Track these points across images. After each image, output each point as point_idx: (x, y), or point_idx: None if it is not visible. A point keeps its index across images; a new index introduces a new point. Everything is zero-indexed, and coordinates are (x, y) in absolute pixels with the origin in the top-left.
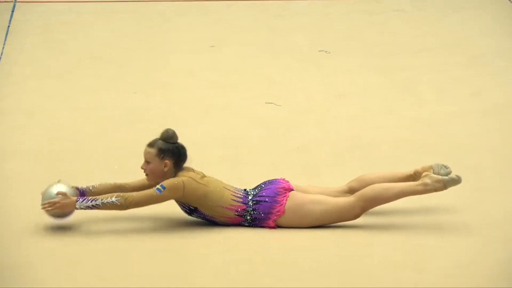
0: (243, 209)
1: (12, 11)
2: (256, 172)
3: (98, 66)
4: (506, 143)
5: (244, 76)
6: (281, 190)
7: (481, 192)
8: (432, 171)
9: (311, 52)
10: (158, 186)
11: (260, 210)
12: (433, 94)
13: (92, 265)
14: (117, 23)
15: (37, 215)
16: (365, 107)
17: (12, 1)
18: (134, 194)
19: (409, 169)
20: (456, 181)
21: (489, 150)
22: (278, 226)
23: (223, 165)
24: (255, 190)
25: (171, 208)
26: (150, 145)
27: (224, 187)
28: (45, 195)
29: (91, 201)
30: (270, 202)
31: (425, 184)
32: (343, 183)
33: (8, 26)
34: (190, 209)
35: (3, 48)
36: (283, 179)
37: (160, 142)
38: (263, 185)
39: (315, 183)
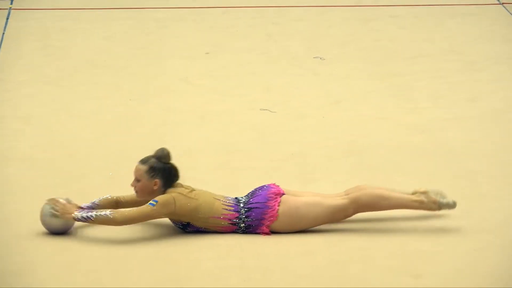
0: (236, 217)
1: (7, 18)
2: (251, 178)
3: (94, 72)
4: (502, 149)
5: (240, 82)
6: (272, 195)
7: (477, 197)
8: (442, 201)
9: (306, 58)
10: (151, 201)
11: (253, 217)
12: (429, 100)
13: (88, 271)
14: (113, 29)
15: (34, 221)
16: (361, 113)
17: (7, 8)
18: (128, 209)
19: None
20: (451, 206)
21: (485, 156)
22: (272, 232)
23: (218, 171)
24: (246, 198)
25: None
26: (143, 161)
27: (214, 197)
28: (44, 211)
29: (87, 213)
30: (262, 208)
31: (421, 202)
32: (338, 189)
33: (3, 33)
34: (183, 225)
35: None
36: (274, 184)
37: (153, 160)
38: (254, 192)
39: (310, 189)
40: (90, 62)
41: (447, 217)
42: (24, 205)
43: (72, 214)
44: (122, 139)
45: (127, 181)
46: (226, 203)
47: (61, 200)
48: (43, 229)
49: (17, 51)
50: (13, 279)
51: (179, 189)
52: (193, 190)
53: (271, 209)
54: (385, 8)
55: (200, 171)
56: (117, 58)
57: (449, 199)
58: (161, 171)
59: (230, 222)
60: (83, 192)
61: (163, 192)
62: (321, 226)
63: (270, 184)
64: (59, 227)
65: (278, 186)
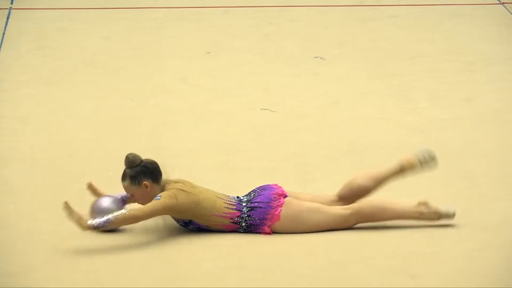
0: (238, 216)
1: (7, 18)
2: (250, 178)
3: (93, 72)
4: (500, 149)
5: (239, 82)
6: (276, 196)
7: (476, 197)
8: (417, 161)
9: (306, 58)
10: (156, 197)
11: (255, 216)
12: (428, 100)
13: (88, 271)
14: (111, 30)
15: (33, 220)
16: (360, 113)
17: (7, 8)
18: (143, 205)
19: (394, 164)
20: (451, 216)
21: (484, 156)
22: (273, 232)
23: (218, 171)
24: (248, 197)
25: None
26: (122, 179)
27: (216, 196)
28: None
29: (102, 218)
30: (265, 208)
31: (421, 213)
32: (338, 189)
33: (4, 33)
34: (185, 222)
35: None
36: (276, 185)
37: (127, 171)
38: (256, 191)
39: (310, 189)
40: (89, 62)
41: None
42: (23, 205)
43: (88, 223)
44: (121, 139)
45: None
46: (228, 202)
47: (75, 211)
48: (42, 229)
49: (16, 51)
50: (12, 279)
51: (179, 185)
52: (194, 186)
53: (274, 210)
54: (384, 8)
55: (200, 171)
56: (116, 58)
57: (451, 208)
58: (141, 173)
59: (232, 221)
60: (83, 193)
61: (162, 188)
62: None
63: (272, 185)
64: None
65: (280, 187)
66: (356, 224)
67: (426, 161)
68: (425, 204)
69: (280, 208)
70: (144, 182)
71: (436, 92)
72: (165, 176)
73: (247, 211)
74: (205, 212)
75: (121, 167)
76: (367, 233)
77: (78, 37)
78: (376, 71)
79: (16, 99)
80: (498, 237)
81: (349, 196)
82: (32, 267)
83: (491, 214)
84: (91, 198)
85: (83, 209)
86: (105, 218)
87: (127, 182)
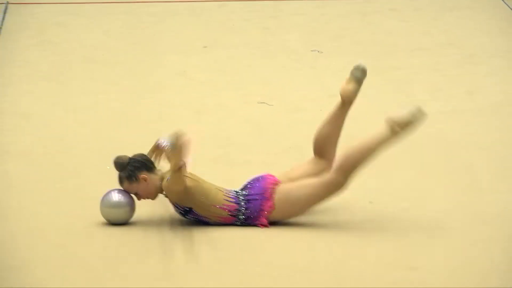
0: (236, 209)
1: (4, 13)
2: (248, 171)
3: (91, 67)
4: (500, 142)
5: (237, 76)
6: (269, 185)
7: (474, 191)
8: (350, 76)
9: (304, 52)
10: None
11: (252, 208)
12: (428, 93)
13: (85, 266)
14: (109, 24)
15: (32, 216)
16: (359, 106)
17: (5, 3)
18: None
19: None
20: (418, 114)
21: (484, 149)
22: (271, 222)
23: (215, 165)
24: (244, 190)
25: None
26: (120, 183)
27: (216, 188)
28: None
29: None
30: (260, 199)
31: (394, 130)
32: None
33: (0, 28)
34: (185, 210)
35: None
36: (269, 174)
37: (121, 173)
38: (250, 183)
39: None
40: (88, 57)
41: (444, 210)
42: (22, 200)
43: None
44: (119, 134)
45: None
46: (227, 194)
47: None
48: (41, 224)
49: (15, 46)
50: (11, 275)
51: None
52: (195, 176)
53: (269, 200)
54: (383, 1)
55: (197, 164)
56: (114, 53)
57: (413, 108)
58: (134, 169)
59: (230, 213)
60: (80, 187)
61: (161, 176)
62: (318, 220)
63: (265, 175)
64: (120, 218)
65: (273, 176)
66: (347, 179)
67: (356, 73)
68: (392, 119)
69: (273, 197)
70: (141, 176)
71: (436, 85)
72: (159, 166)
73: (244, 204)
74: (205, 200)
75: None
76: (365, 226)
77: (77, 32)
78: (375, 64)
79: (15, 95)
80: (496, 230)
81: (319, 148)
82: (32, 262)
83: (490, 207)
84: (89, 193)
85: (82, 204)
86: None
87: (126, 184)
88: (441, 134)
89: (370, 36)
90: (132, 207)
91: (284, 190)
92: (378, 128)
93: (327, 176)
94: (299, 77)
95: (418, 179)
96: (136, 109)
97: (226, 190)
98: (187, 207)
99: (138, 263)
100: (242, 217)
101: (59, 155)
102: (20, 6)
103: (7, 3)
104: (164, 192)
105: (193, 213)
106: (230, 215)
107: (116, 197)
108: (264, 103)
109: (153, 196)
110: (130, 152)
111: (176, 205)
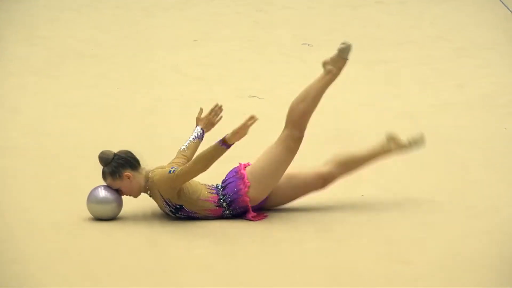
0: (218, 199)
1: None
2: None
3: (82, 62)
4: (490, 135)
5: (228, 70)
6: (240, 167)
7: (466, 184)
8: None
9: (294, 45)
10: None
11: (229, 191)
12: (417, 86)
13: (79, 260)
14: (100, 19)
15: (23, 210)
16: (349, 99)
17: None
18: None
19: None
20: (346, 48)
21: (474, 141)
22: (261, 208)
23: None
24: (222, 182)
25: (155, 205)
26: (104, 177)
27: (199, 182)
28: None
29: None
30: (233, 181)
31: (329, 71)
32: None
33: None
34: (176, 208)
35: None
36: (240, 163)
37: (105, 168)
38: (226, 174)
39: None
40: (78, 51)
41: (436, 204)
42: (14, 194)
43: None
44: (111, 128)
45: None
46: (209, 187)
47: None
48: (32, 219)
49: (5, 41)
50: (3, 269)
51: (167, 167)
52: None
53: (241, 180)
54: None
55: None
56: (105, 48)
57: (342, 44)
58: (118, 166)
59: (215, 204)
60: (72, 182)
61: (146, 176)
62: (312, 215)
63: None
64: (108, 214)
65: (246, 163)
66: (301, 130)
67: (415, 141)
68: (393, 139)
69: (245, 176)
70: (125, 173)
71: (426, 78)
72: (144, 164)
73: (223, 190)
74: (193, 195)
75: None
76: (359, 220)
77: (67, 27)
78: (364, 58)
79: (5, 89)
80: (488, 223)
81: (293, 120)
82: (24, 256)
83: (481, 200)
84: (81, 188)
85: (74, 197)
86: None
87: (109, 179)
88: (431, 127)
89: (359, 30)
90: (119, 203)
91: (252, 166)
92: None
93: (282, 134)
94: (290, 70)
95: (410, 172)
96: (128, 104)
97: (207, 184)
98: (178, 205)
99: (131, 256)
100: (225, 204)
101: (50, 149)
102: (10, 1)
103: None
104: (148, 192)
105: (184, 210)
106: (216, 206)
107: (103, 193)
108: (255, 97)
109: (135, 194)
110: (121, 147)
111: (167, 203)
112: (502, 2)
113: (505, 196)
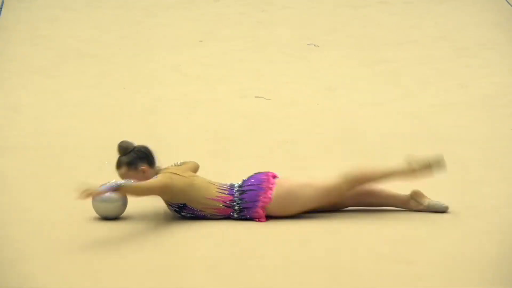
0: (231, 200)
1: (1, 8)
2: (244, 166)
3: (84, 61)
4: (492, 135)
5: (231, 70)
6: (266, 177)
7: (467, 184)
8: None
9: (298, 45)
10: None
11: (247, 199)
12: (420, 86)
13: (80, 260)
14: (103, 18)
15: (24, 210)
16: (352, 99)
17: None
18: (141, 182)
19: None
20: (440, 162)
21: (476, 142)
22: (268, 216)
23: (211, 159)
24: (240, 183)
25: (160, 205)
26: (118, 167)
27: (208, 182)
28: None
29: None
30: (256, 190)
31: (410, 165)
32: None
33: None
34: (179, 207)
35: None
36: (269, 171)
37: (123, 158)
38: (249, 177)
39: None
40: (80, 51)
41: None
42: (15, 194)
43: (97, 190)
44: (113, 128)
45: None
46: (220, 187)
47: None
48: (34, 218)
49: (7, 40)
50: (4, 268)
51: (173, 169)
52: (186, 173)
53: (265, 191)
54: None
55: (192, 159)
56: (108, 47)
57: (436, 155)
58: (137, 158)
59: (225, 204)
60: (74, 181)
61: (156, 174)
62: (315, 214)
63: (265, 172)
64: (112, 213)
65: (273, 172)
66: (349, 189)
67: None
68: (412, 156)
69: (271, 189)
70: (142, 167)
71: (428, 77)
72: (158, 163)
73: (239, 195)
74: (198, 194)
75: (113, 156)
76: (361, 220)
77: (69, 26)
78: (367, 58)
79: (6, 89)
80: (489, 223)
81: (352, 180)
82: (25, 256)
83: (482, 200)
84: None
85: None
86: (113, 183)
87: (124, 169)
88: (433, 126)
89: (362, 30)
90: (123, 201)
91: (286, 184)
92: (398, 161)
93: (332, 180)
94: (293, 70)
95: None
96: (130, 104)
97: (220, 183)
98: (181, 203)
99: (134, 256)
100: (237, 207)
101: (50, 149)
102: (16, 1)
103: None
104: None
105: (188, 208)
106: (225, 206)
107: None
108: (261, 97)
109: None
110: None
111: (169, 204)
112: (508, 2)
113: (505, 196)
